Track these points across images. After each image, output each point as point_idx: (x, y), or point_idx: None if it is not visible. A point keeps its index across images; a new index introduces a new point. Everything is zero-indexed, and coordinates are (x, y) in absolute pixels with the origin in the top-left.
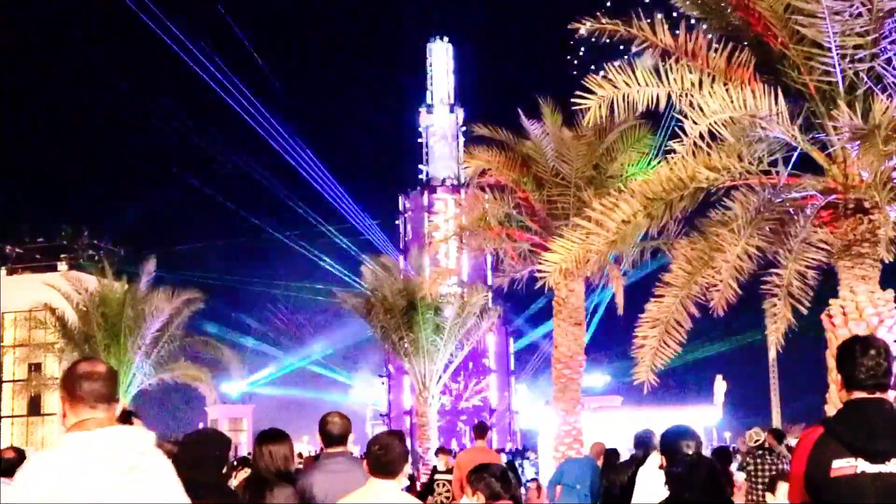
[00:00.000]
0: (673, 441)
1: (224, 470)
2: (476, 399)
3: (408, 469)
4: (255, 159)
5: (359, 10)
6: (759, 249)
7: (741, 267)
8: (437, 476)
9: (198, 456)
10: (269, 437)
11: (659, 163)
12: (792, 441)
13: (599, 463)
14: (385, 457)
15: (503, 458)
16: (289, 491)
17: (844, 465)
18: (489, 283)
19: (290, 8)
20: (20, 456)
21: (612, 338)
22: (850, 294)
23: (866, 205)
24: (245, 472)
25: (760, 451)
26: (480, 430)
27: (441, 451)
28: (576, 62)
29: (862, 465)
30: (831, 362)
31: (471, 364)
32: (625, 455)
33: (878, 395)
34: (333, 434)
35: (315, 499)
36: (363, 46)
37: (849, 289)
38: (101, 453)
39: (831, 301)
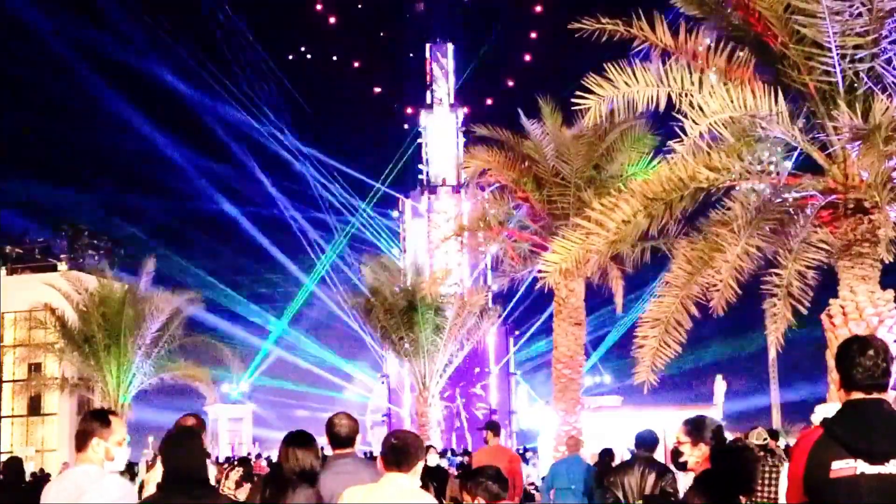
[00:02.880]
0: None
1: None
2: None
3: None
4: (253, 159)
5: (359, 9)
6: (759, 249)
7: (741, 267)
8: None
9: (182, 453)
10: (298, 440)
11: (659, 163)
12: (790, 441)
13: (590, 460)
14: (400, 447)
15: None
16: (310, 492)
17: (844, 467)
18: (489, 283)
19: (291, 7)
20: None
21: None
22: (850, 294)
23: (866, 205)
24: (238, 473)
25: (763, 453)
26: (494, 428)
27: None
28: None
29: (861, 467)
30: (831, 362)
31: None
32: (625, 455)
33: (875, 395)
34: (341, 436)
35: (321, 500)
36: (363, 46)
37: (849, 289)
38: None
39: (831, 301)
